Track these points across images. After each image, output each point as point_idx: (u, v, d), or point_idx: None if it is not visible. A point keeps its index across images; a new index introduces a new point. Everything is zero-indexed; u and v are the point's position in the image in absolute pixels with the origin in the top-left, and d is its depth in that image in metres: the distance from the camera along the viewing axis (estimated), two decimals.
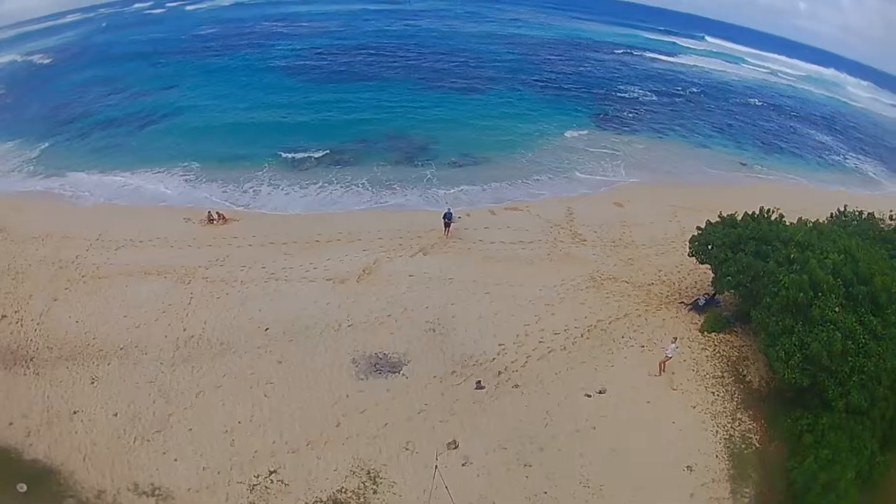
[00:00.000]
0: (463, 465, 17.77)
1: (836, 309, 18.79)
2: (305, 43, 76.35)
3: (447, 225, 31.23)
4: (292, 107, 52.08)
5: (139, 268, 26.75)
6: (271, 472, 17.13)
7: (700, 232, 25.30)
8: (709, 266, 25.05)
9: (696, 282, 28.67)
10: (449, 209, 31.80)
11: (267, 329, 22.92)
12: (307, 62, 67.44)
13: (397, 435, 18.56)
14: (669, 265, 30.23)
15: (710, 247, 24.27)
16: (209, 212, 31.74)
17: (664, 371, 21.71)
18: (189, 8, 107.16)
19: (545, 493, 17.04)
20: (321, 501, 16.37)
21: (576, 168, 43.57)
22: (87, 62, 67.86)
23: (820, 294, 19.04)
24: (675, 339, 21.90)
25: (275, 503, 16.30)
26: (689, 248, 25.68)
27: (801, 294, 19.09)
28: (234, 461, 17.32)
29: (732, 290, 23.49)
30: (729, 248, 23.03)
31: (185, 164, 39.15)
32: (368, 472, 17.24)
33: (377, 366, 21.36)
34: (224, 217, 31.61)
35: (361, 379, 20.73)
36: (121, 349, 21.65)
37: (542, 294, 26.53)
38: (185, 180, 37.38)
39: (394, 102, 54.97)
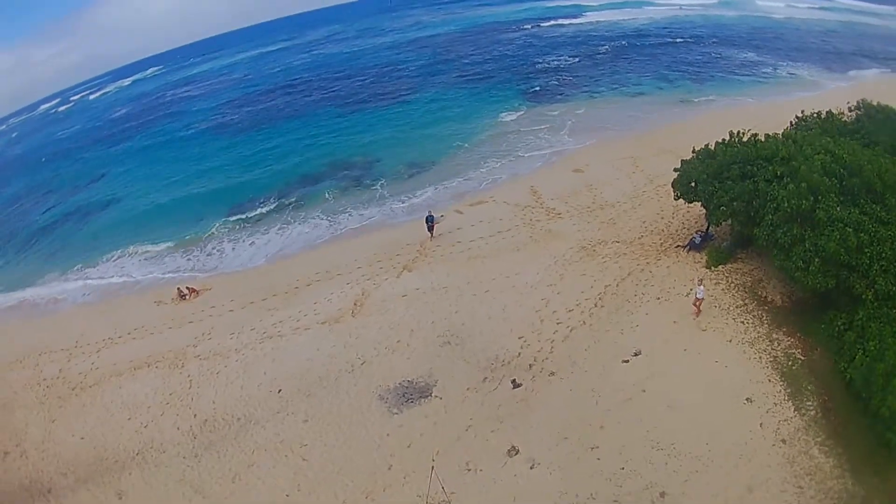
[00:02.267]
0: (531, 468, 16.81)
1: (838, 207, 18.91)
2: (219, 99, 74.70)
3: (431, 228, 30.74)
4: (226, 167, 50.33)
5: (127, 365, 24.76)
6: None
7: (679, 173, 25.19)
8: (697, 203, 24.99)
9: (682, 223, 28.70)
10: (429, 213, 31.48)
11: (280, 391, 21.41)
12: (226, 118, 65.83)
13: (453, 458, 17.43)
14: (651, 214, 30.20)
15: (693, 184, 24.18)
16: (178, 288, 29.87)
17: (699, 312, 21.45)
18: (93, 96, 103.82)
19: (622, 468, 16.26)
20: None
21: (522, 147, 43.38)
22: (10, 174, 65.65)
23: (819, 196, 19.11)
24: (701, 280, 21.65)
25: None
26: (674, 192, 25.53)
27: (803, 202, 19.10)
28: None
29: (729, 220, 23.45)
30: (714, 180, 22.94)
31: (140, 246, 37.22)
32: None
33: (406, 395, 20.14)
34: (195, 290, 29.74)
35: (395, 413, 19.47)
36: (137, 454, 19.80)
37: (540, 276, 25.93)
38: (145, 261, 35.47)
39: (323, 134, 54.07)
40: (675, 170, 25.56)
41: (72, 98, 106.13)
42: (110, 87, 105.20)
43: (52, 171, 60.68)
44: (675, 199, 26.00)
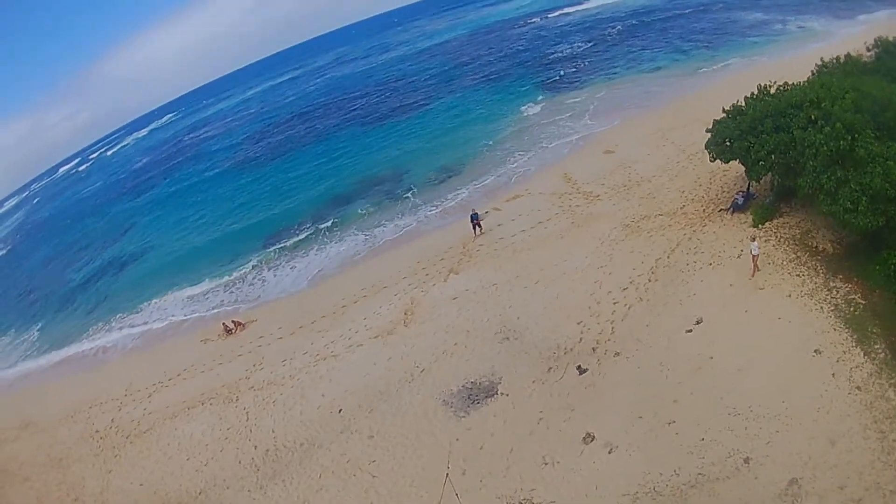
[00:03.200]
0: (610, 452, 16.47)
1: (875, 143, 18.30)
2: (238, 135, 76.35)
3: (477, 225, 31.06)
4: (256, 201, 51.30)
5: (180, 406, 25.20)
6: None
7: (712, 133, 24.59)
8: (735, 161, 24.36)
9: (722, 186, 28.01)
10: (473, 210, 31.78)
11: (340, 410, 21.42)
12: (248, 153, 67.12)
13: (528, 454, 17.15)
14: (689, 183, 29.57)
15: (728, 143, 23.56)
16: (223, 323, 30.27)
17: (758, 269, 20.92)
18: (110, 152, 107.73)
19: (702, 439, 15.80)
20: None
21: (548, 137, 43.17)
22: (40, 238, 68.16)
23: (856, 135, 18.48)
24: (754, 237, 21.11)
25: None
26: (710, 154, 24.90)
27: (841, 142, 18.47)
28: None
29: (769, 174, 22.83)
30: (749, 135, 22.32)
31: (179, 290, 38.00)
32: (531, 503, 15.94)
33: (471, 397, 20.00)
34: (241, 323, 30.11)
35: (463, 416, 19.31)
36: (199, 494, 20.03)
37: (589, 260, 25.62)
38: (187, 302, 36.20)
39: (348, 154, 54.76)
40: (707, 131, 24.96)
41: (90, 156, 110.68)
42: (128, 140, 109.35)
43: (80, 230, 62.49)
44: (710, 160, 25.40)
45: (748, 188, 25.52)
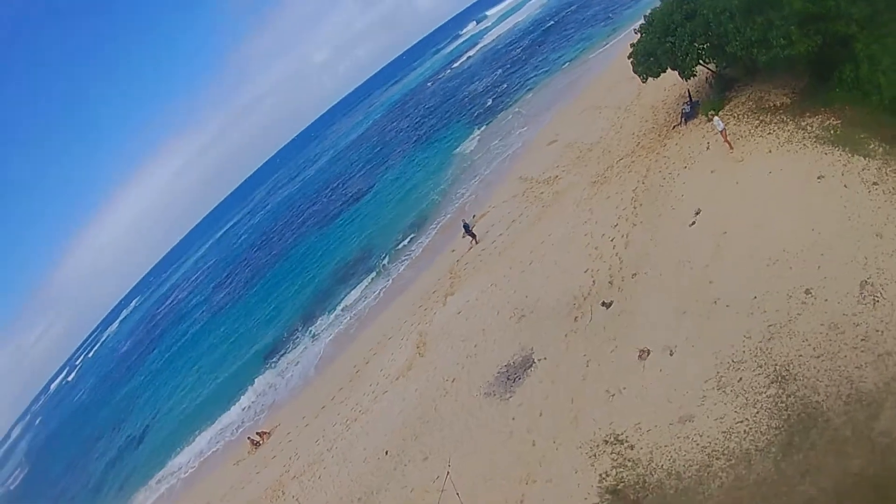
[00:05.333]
0: (671, 354, 15.03)
1: None
2: (207, 288, 77.72)
3: (471, 234, 31.11)
4: (243, 336, 49.73)
5: None
6: None
7: (635, 55, 24.83)
8: (668, 77, 24.73)
9: (667, 110, 28.21)
10: (463, 221, 32.41)
11: (387, 452, 19.78)
12: (222, 297, 67.59)
13: (590, 396, 15.60)
14: (636, 125, 29.71)
15: (652, 57, 23.82)
16: (249, 438, 28.88)
17: (731, 144, 20.64)
18: (91, 353, 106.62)
19: (754, 298, 14.62)
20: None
21: (492, 157, 43.79)
22: (54, 448, 67.97)
23: None
24: (711, 114, 21.12)
25: None
26: (640, 75, 25.11)
27: None
28: None
29: (703, 63, 23.10)
30: (667, 37, 22.55)
31: (198, 434, 36.60)
32: (613, 437, 14.17)
33: (510, 377, 18.48)
34: (265, 432, 28.64)
35: (510, 397, 17.74)
36: None
37: (572, 223, 24.90)
38: (210, 438, 34.84)
39: (313, 260, 54.66)
40: (629, 56, 25.42)
41: (76, 362, 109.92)
42: (105, 335, 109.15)
43: (89, 428, 61.20)
44: (643, 82, 25.73)
45: (690, 97, 25.78)
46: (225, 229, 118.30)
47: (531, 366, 18.33)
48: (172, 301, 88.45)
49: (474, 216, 34.18)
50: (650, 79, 25.18)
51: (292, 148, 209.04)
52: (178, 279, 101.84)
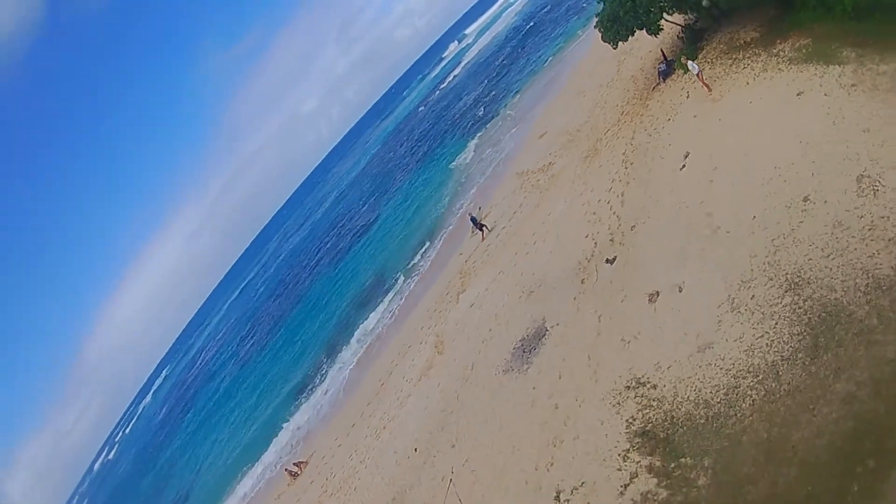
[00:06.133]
0: (680, 291, 14.61)
1: None
2: (233, 344, 77.34)
3: (480, 227, 31.03)
4: (274, 380, 49.23)
5: None
6: (559, 495, 13.12)
7: (600, 22, 24.76)
8: (640, 49, 24.79)
9: (645, 76, 28.14)
10: (470, 214, 32.50)
11: (415, 450, 19.45)
12: (248, 348, 67.33)
13: (606, 348, 15.20)
14: (618, 97, 29.64)
15: (617, 22, 23.76)
16: (287, 470, 28.69)
17: (709, 86, 20.49)
18: (128, 428, 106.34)
19: (753, 217, 14.24)
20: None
21: (490, 162, 43.84)
22: None
23: None
24: (684, 59, 21.05)
25: None
26: (611, 42, 24.99)
27: None
28: None
29: (667, 18, 23.11)
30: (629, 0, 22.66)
31: (238, 482, 36.27)
32: (634, 382, 13.71)
33: (526, 349, 18.13)
34: (302, 462, 28.42)
35: (528, 368, 17.37)
36: None
37: (569, 199, 24.68)
38: (250, 481, 34.66)
39: (332, 293, 54.52)
40: (595, 26, 25.45)
41: (115, 440, 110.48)
42: (139, 409, 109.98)
43: (133, 500, 60.98)
44: (614, 48, 25.71)
45: (664, 56, 25.74)
46: (242, 286, 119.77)
47: (545, 335, 17.97)
48: (200, 363, 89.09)
49: (480, 208, 34.41)
50: (629, 55, 25.46)
51: (298, 197, 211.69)
52: (204, 342, 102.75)
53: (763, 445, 10.79)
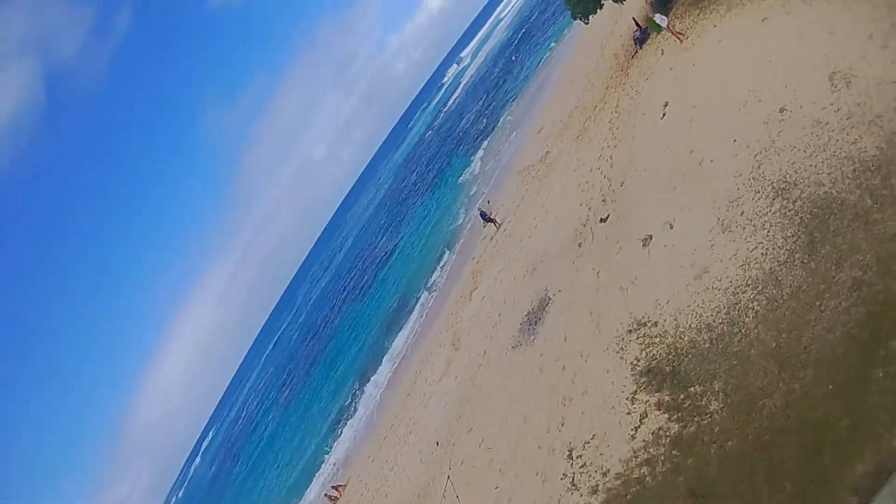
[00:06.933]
0: (671, 228, 14.11)
1: None
2: (272, 390, 79.31)
3: (490, 220, 31.25)
4: (313, 419, 49.15)
5: None
6: (571, 452, 12.48)
7: (566, 2, 25.03)
8: (615, 22, 24.83)
9: (625, 50, 27.93)
10: (479, 209, 33.45)
11: (437, 443, 19.03)
12: (287, 394, 67.39)
13: (606, 301, 14.70)
14: (603, 75, 29.58)
15: None
16: (326, 495, 28.65)
17: (680, 36, 20.36)
18: (181, 493, 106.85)
19: (734, 141, 13.67)
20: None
21: (494, 170, 44.25)
22: None
23: None
24: (655, 14, 21.04)
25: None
26: (582, 20, 25.26)
27: None
28: None
29: None
30: None
31: None
32: (635, 324, 13.16)
33: (531, 322, 17.73)
34: (341, 485, 28.30)
35: (534, 339, 16.95)
36: None
37: (564, 179, 24.58)
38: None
39: (361, 325, 54.65)
40: (566, 6, 25.62)
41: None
42: (190, 471, 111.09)
43: None
44: (586, 24, 25.91)
45: (637, 24, 25.68)
46: (276, 337, 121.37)
47: (548, 304, 17.56)
48: (244, 417, 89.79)
49: (489, 202, 34.63)
50: (610, 37, 25.61)
51: (321, 243, 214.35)
52: (245, 396, 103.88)
53: (773, 355, 10.05)
